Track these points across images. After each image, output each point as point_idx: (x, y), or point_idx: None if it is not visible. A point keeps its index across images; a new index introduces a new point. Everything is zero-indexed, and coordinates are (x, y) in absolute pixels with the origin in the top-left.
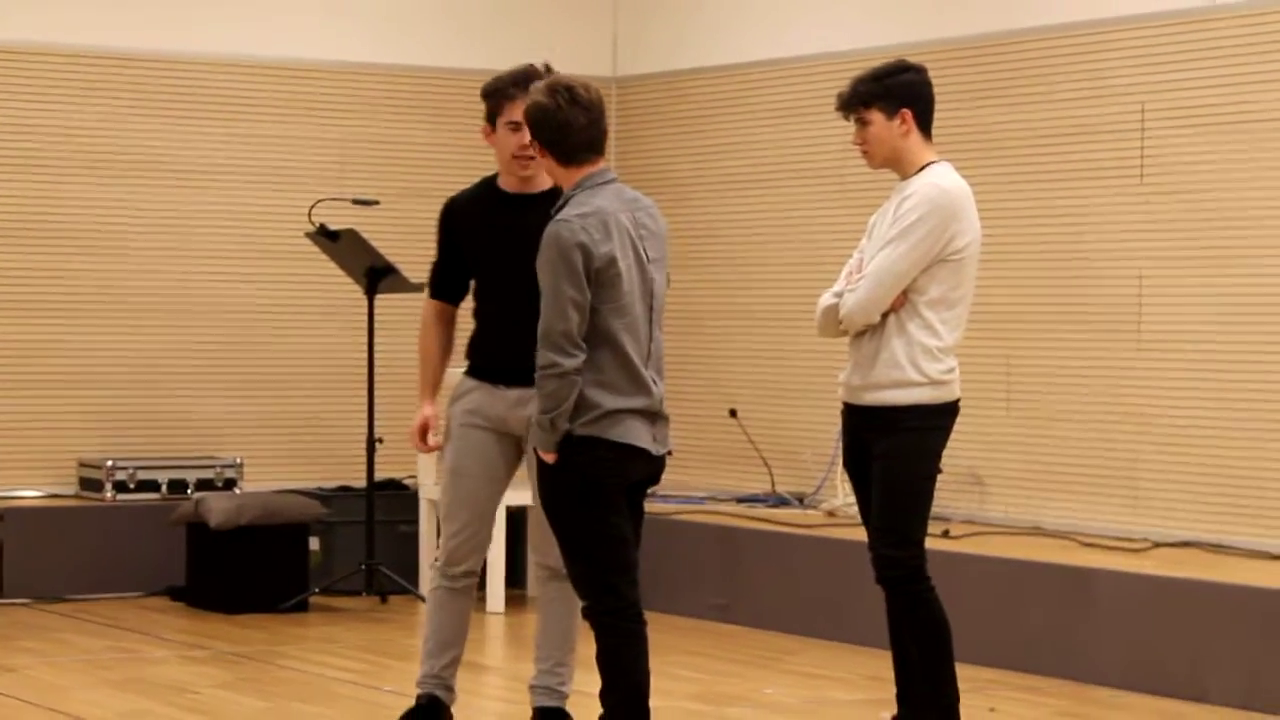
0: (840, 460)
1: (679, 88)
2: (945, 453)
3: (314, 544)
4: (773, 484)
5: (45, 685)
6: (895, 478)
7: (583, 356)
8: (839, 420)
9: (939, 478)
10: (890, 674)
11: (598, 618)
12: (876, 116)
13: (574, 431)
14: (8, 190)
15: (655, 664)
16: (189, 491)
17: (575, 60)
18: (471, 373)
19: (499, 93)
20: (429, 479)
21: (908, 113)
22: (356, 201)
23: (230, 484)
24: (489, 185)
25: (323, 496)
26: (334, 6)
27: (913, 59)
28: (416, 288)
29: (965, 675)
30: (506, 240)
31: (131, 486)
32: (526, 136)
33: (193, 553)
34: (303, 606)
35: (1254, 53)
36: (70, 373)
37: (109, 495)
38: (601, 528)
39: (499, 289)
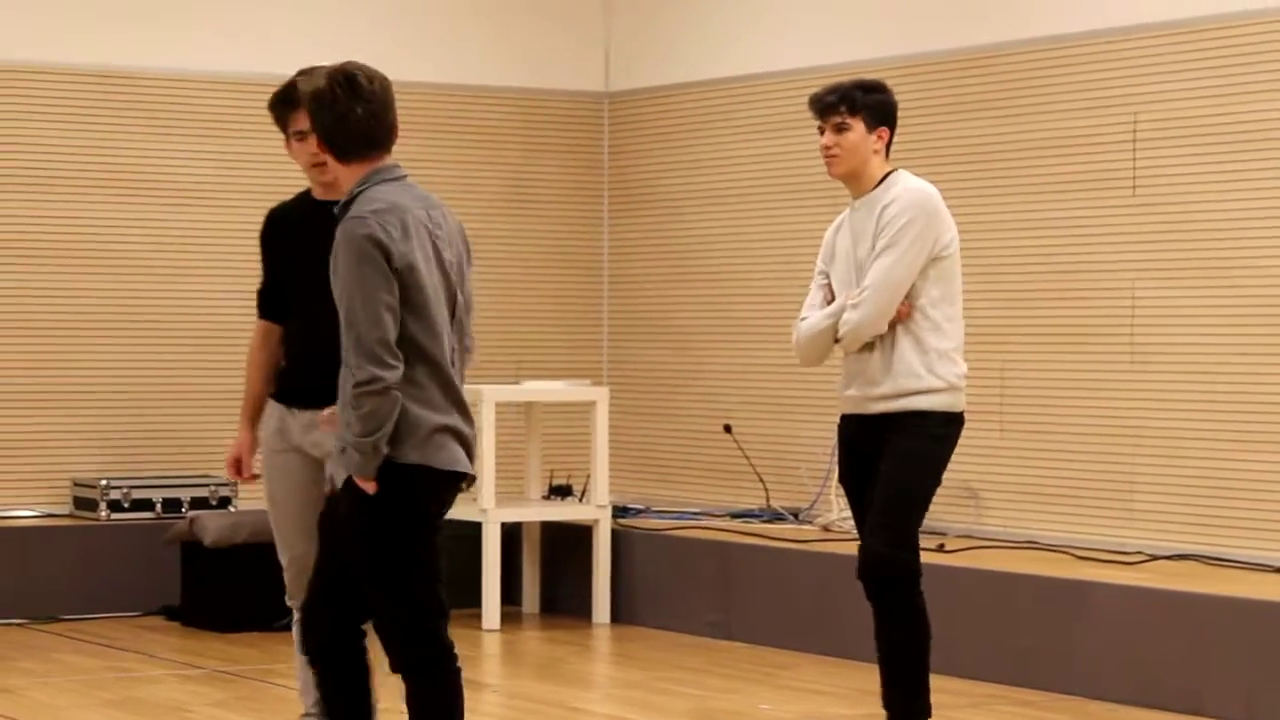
0: (835, 475)
1: (670, 102)
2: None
3: None
4: (768, 499)
5: (41, 706)
6: (906, 479)
7: (402, 368)
8: (834, 434)
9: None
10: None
11: (422, 667)
12: (858, 125)
13: (397, 458)
14: (12, 209)
15: (651, 680)
16: (183, 510)
17: (567, 75)
18: (274, 396)
19: (280, 103)
20: None
21: (885, 131)
22: None
23: (224, 503)
24: (304, 195)
25: None
26: (324, 24)
27: (904, 72)
28: None
29: (961, 689)
30: (310, 251)
31: (126, 505)
32: (314, 144)
33: (187, 571)
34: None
35: (1247, 64)
36: (64, 392)
37: (103, 514)
38: (423, 569)
39: (301, 304)
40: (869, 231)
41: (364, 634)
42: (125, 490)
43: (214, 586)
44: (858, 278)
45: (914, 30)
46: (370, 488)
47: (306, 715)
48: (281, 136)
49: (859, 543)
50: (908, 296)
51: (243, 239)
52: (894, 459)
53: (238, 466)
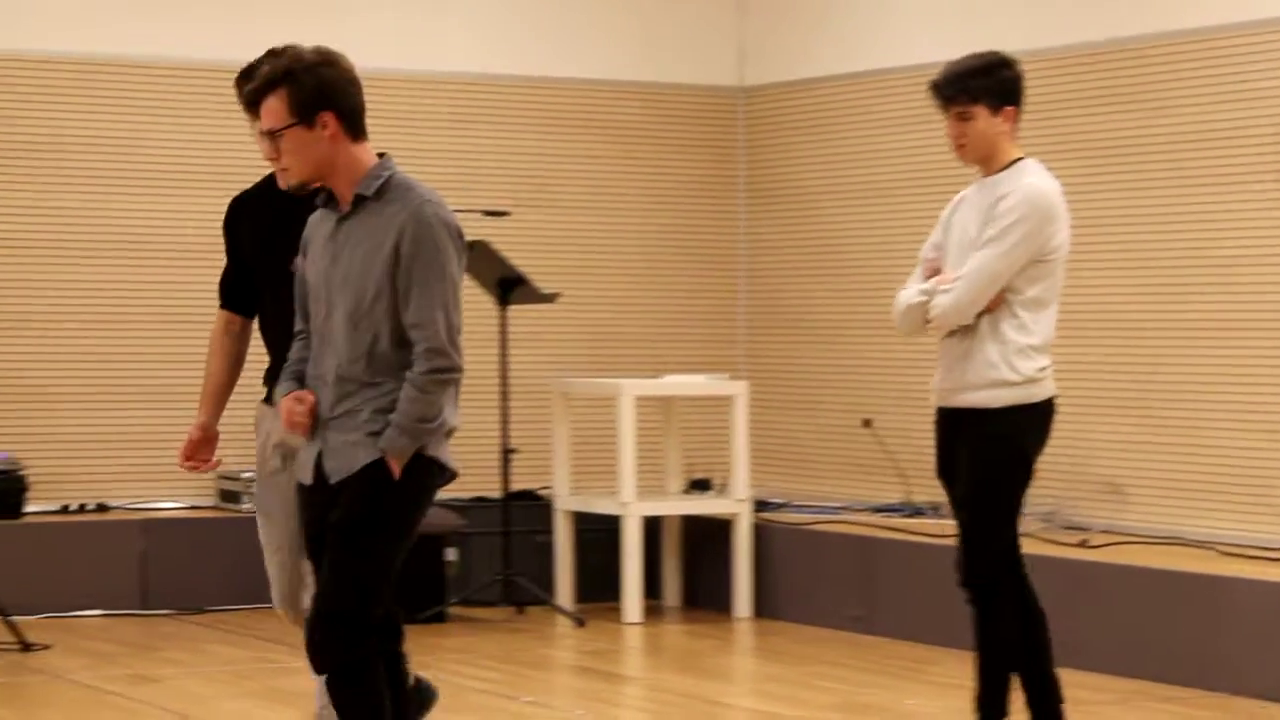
0: None
1: (806, 96)
2: (1083, 461)
3: (450, 555)
4: (908, 493)
5: (189, 695)
6: (986, 480)
7: None
8: None
9: (1038, 481)
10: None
11: (361, 648)
12: (981, 112)
13: (424, 451)
14: (122, 204)
15: (795, 674)
16: None
17: (702, 70)
18: (265, 400)
19: (241, 91)
20: (564, 490)
21: (1011, 110)
22: (487, 213)
23: None
24: (269, 180)
25: (459, 507)
26: (462, 19)
27: (1050, 64)
28: (548, 298)
29: (1104, 685)
30: (278, 241)
31: None
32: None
33: None
34: (440, 617)
35: None
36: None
37: (247, 507)
38: (398, 559)
39: (273, 296)
40: (980, 214)
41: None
42: None
43: None
44: (961, 258)
45: (1055, 22)
46: (397, 470)
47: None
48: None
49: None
50: (1003, 289)
51: None
52: (972, 461)
53: (189, 453)
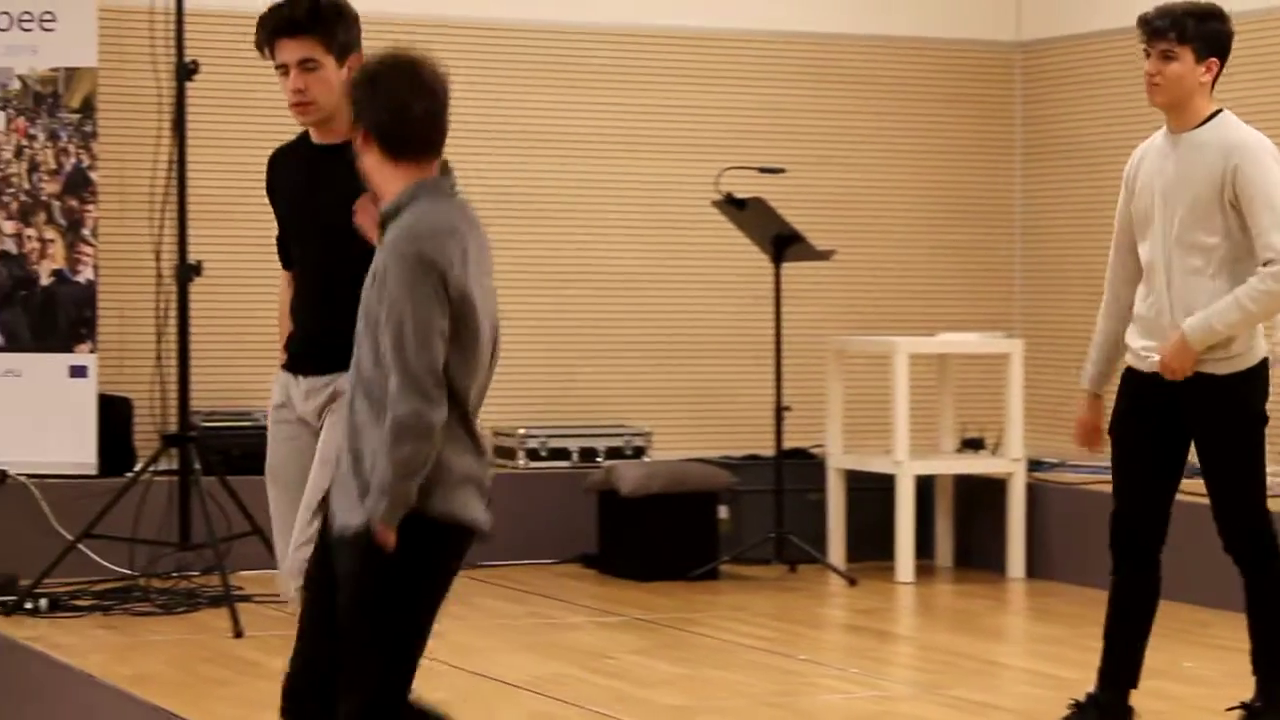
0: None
1: (1085, 51)
2: None
3: (723, 512)
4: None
5: (466, 648)
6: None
7: (446, 406)
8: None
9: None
10: None
11: None
12: (1186, 55)
13: (423, 509)
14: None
15: (1071, 635)
16: (599, 460)
17: (977, 24)
18: (282, 365)
19: (261, 27)
20: (837, 448)
21: (1215, 62)
22: (762, 170)
23: (639, 453)
24: (303, 136)
25: (731, 465)
26: None
27: None
28: (823, 255)
29: None
30: (307, 198)
31: (543, 455)
32: (299, 80)
33: (604, 520)
34: (713, 574)
35: None
36: None
37: (522, 463)
38: (423, 640)
39: (300, 257)
40: (1205, 175)
41: None
42: (543, 440)
43: (630, 535)
44: (1182, 215)
45: None
46: (391, 539)
47: None
48: (702, 89)
49: None
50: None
51: (653, 190)
52: (1223, 430)
53: None
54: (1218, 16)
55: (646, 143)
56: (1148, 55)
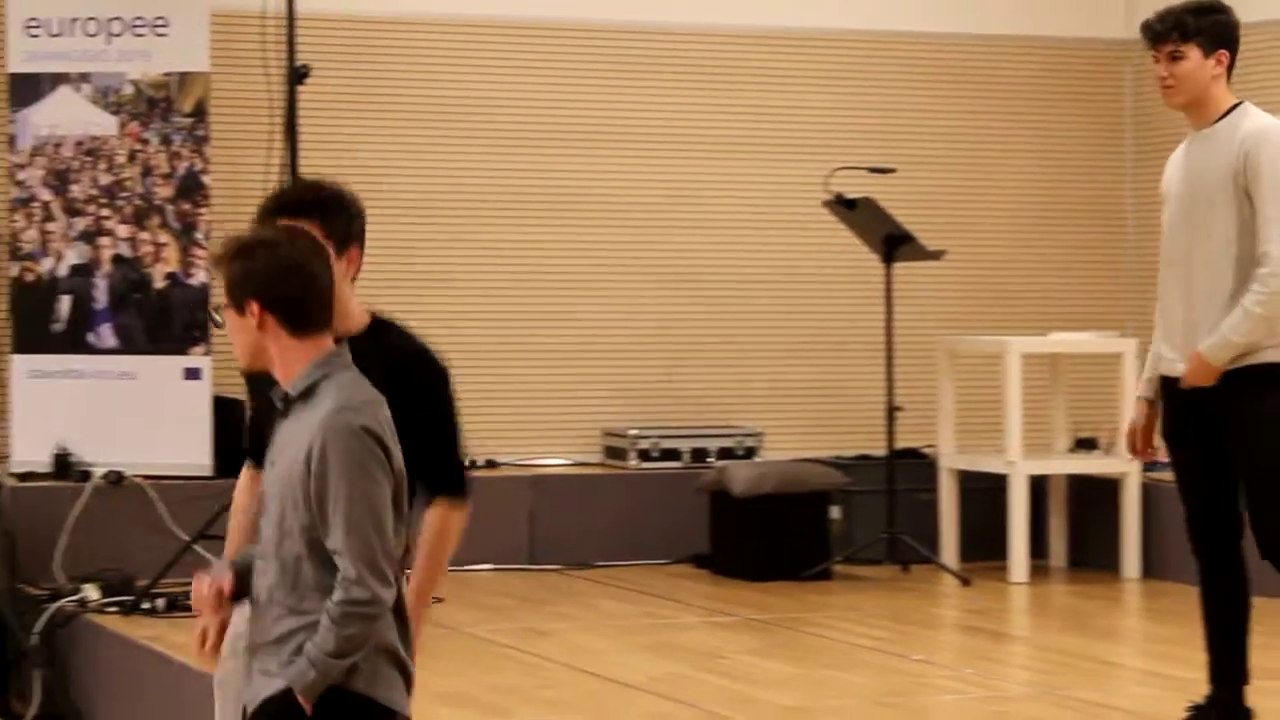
0: None
1: None
2: None
3: (835, 512)
4: None
5: (580, 649)
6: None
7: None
8: None
9: None
10: None
11: None
12: (1193, 53)
13: (348, 686)
14: (539, 165)
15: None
16: (710, 460)
17: (1088, 22)
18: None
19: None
20: (949, 447)
21: (1224, 54)
22: (872, 170)
23: (750, 453)
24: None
25: (842, 465)
26: None
27: None
28: (934, 255)
29: None
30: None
31: (655, 455)
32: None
33: (716, 520)
34: (825, 574)
35: None
36: (594, 343)
37: (633, 464)
38: None
39: None
40: (1221, 165)
41: None
42: (654, 440)
43: (743, 535)
44: (1209, 215)
45: None
46: (308, 707)
47: None
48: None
49: None
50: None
51: (764, 190)
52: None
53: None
54: (1218, 9)
55: (759, 144)
56: (1156, 61)
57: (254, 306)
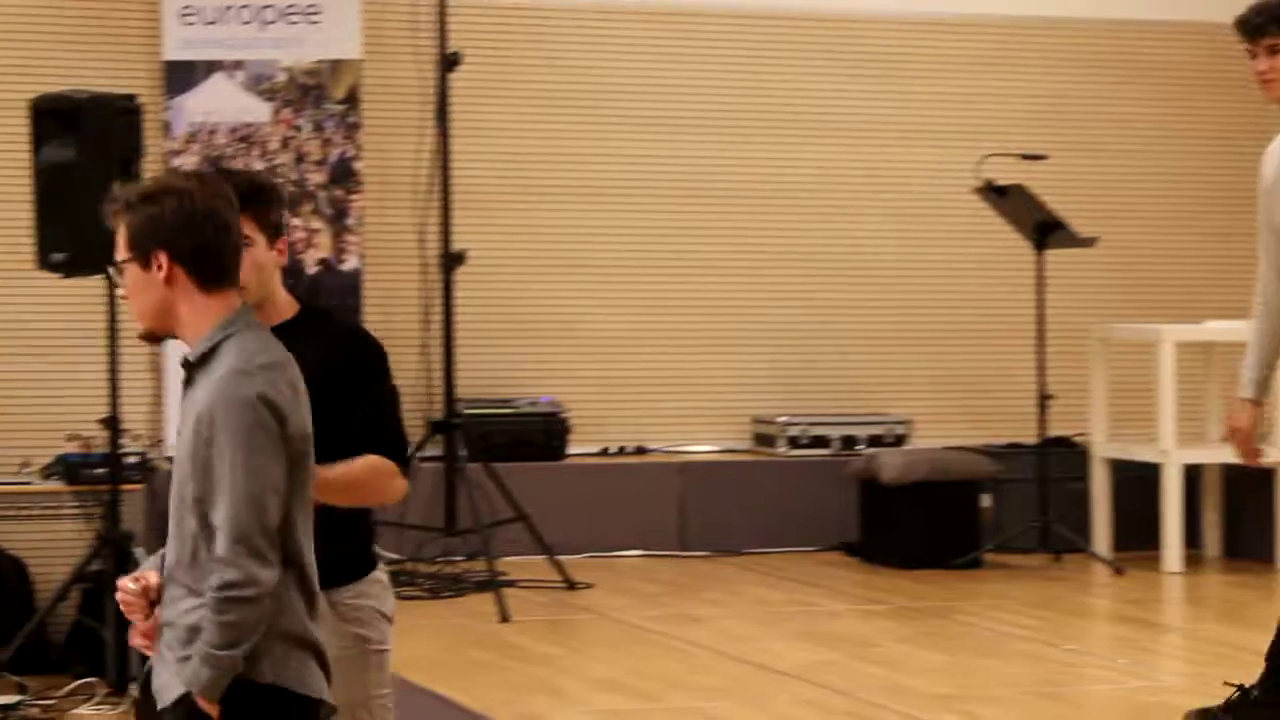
0: None
1: None
2: None
3: (985, 501)
4: None
5: (733, 636)
6: None
7: (279, 569)
8: None
9: None
10: None
11: None
12: None
13: (251, 676)
14: (689, 150)
15: None
16: (860, 448)
17: (1243, 6)
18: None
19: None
20: (1101, 436)
21: None
22: (1024, 156)
23: (900, 441)
24: None
25: (993, 454)
26: None
27: None
28: (1086, 242)
29: None
30: None
31: (804, 442)
32: None
33: (866, 508)
34: (976, 563)
35: None
36: (745, 330)
37: (783, 451)
38: None
39: None
40: None
41: None
42: (804, 427)
43: (893, 523)
44: None
45: None
46: (214, 712)
47: None
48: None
49: None
50: None
51: (914, 177)
52: None
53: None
54: None
55: (910, 130)
56: (1253, 56)
57: (162, 258)
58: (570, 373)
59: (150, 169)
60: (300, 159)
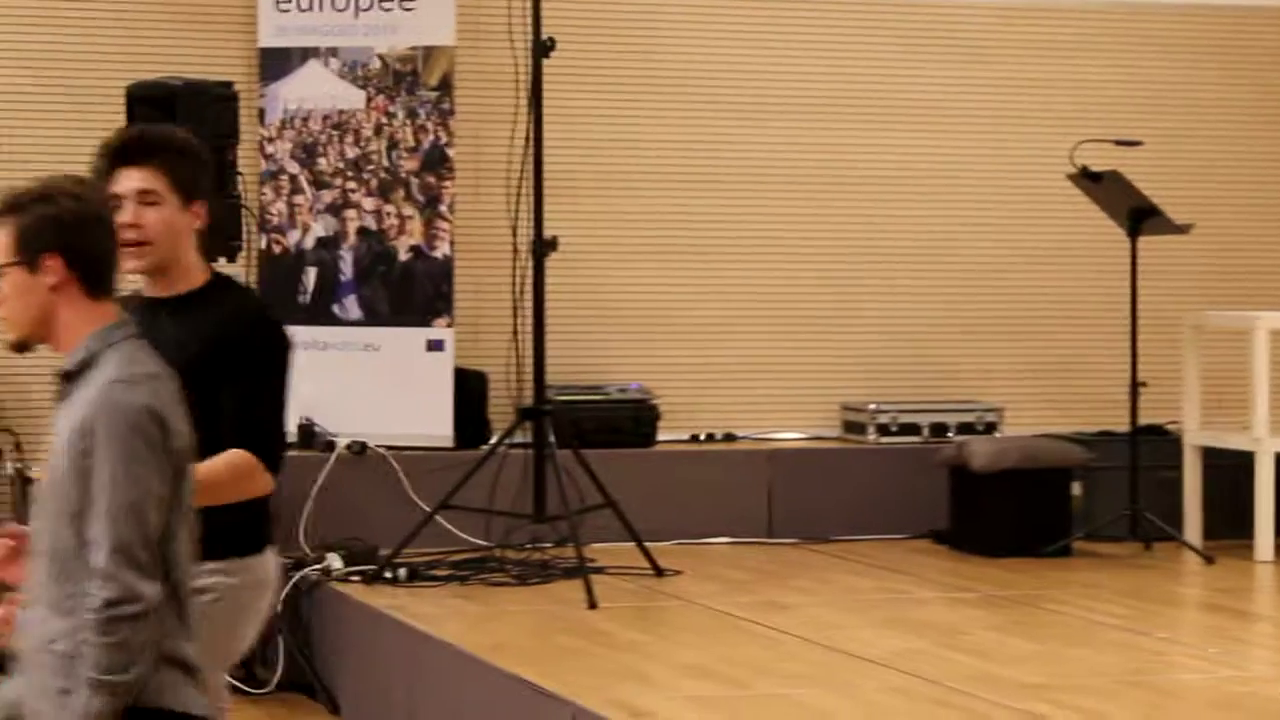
0: None
1: None
2: None
3: (1076, 489)
4: None
5: (822, 623)
6: None
7: (160, 584)
8: None
9: None
10: None
11: None
12: None
13: (143, 702)
14: (778, 136)
15: None
16: (950, 435)
17: None
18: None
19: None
20: (1194, 424)
21: None
22: (1119, 143)
23: (991, 428)
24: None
25: (1084, 441)
26: None
27: None
28: (1181, 229)
29: None
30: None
31: (894, 429)
32: (129, 212)
33: (955, 495)
34: (1066, 551)
35: None
36: (834, 316)
37: (872, 438)
38: None
39: None
40: None
41: None
42: (893, 414)
43: (983, 510)
44: None
45: None
46: None
47: None
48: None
49: None
50: None
51: (1007, 163)
52: None
53: None
54: None
55: (1003, 116)
56: None
57: (55, 262)
58: (660, 359)
59: (245, 156)
60: (393, 145)
